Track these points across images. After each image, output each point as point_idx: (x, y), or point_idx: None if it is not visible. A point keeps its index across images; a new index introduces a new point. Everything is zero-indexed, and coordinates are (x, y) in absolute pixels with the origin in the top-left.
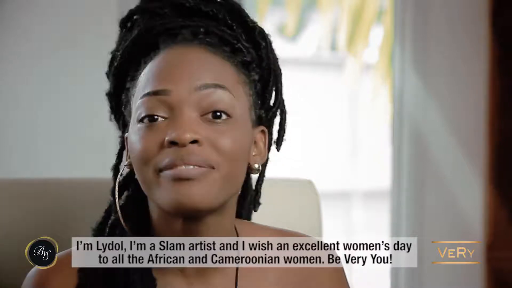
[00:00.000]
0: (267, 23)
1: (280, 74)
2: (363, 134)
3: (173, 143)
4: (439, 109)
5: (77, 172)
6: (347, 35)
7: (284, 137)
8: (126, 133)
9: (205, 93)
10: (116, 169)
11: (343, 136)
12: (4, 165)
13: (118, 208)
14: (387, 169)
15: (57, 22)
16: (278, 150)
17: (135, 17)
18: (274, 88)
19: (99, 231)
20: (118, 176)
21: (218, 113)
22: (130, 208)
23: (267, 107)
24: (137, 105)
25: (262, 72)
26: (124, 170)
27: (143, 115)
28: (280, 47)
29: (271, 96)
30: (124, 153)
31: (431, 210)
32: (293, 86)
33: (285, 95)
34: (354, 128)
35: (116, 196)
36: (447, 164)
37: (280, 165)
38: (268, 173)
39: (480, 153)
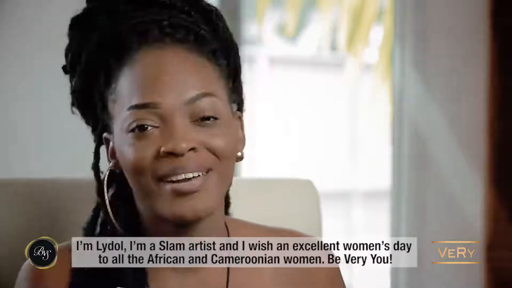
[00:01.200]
0: (267, 23)
1: (237, 48)
2: (363, 134)
3: (170, 153)
4: (439, 109)
5: (77, 172)
6: (347, 35)
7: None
8: (105, 133)
9: (194, 104)
10: (96, 168)
11: (343, 136)
12: (4, 165)
13: (108, 207)
14: (387, 169)
15: (57, 22)
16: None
17: (92, 15)
18: (235, 64)
19: (89, 231)
20: (104, 176)
21: (207, 118)
22: (118, 206)
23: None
24: (124, 117)
25: (225, 53)
26: (107, 169)
27: (133, 126)
28: (280, 47)
29: (236, 72)
30: (102, 150)
31: (431, 210)
32: (293, 86)
33: (285, 95)
34: (354, 128)
35: (106, 195)
36: (447, 164)
37: (280, 165)
38: (268, 173)
39: (480, 153)
